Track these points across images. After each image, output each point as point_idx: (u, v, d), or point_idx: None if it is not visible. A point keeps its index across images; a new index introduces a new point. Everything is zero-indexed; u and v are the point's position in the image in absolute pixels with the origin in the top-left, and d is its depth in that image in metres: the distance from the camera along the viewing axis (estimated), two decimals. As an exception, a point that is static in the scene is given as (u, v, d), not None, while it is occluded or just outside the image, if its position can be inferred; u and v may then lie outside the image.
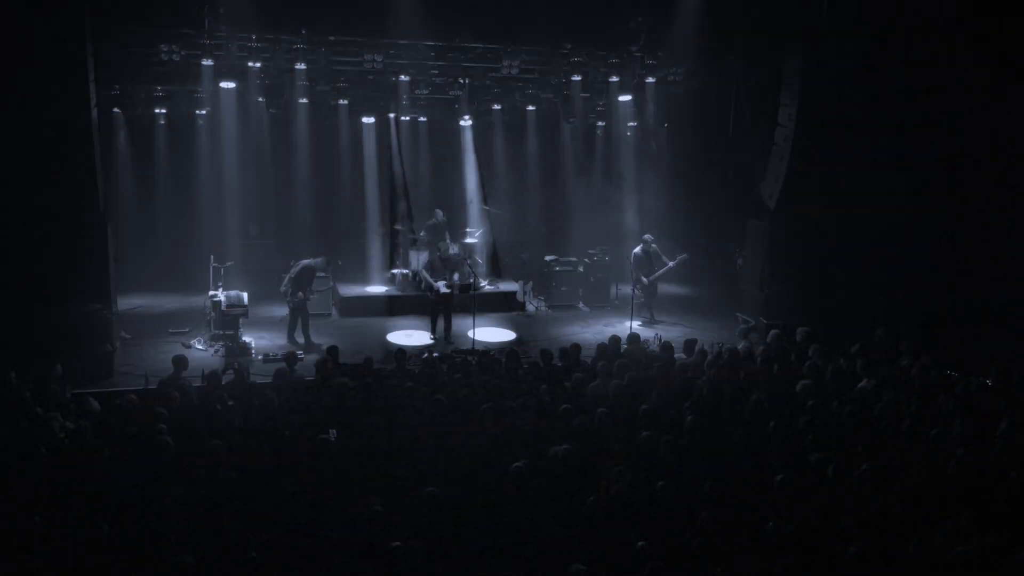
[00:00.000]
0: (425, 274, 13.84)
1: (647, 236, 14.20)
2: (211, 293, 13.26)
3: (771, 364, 10.46)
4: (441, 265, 13.83)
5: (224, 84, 14.48)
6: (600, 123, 18.75)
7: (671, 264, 13.90)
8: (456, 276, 13.87)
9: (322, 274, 13.89)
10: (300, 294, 13.01)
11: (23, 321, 10.68)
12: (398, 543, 5.90)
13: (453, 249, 14.63)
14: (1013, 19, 12.41)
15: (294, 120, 16.45)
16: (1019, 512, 6.69)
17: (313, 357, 11.58)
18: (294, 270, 13.18)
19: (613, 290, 16.55)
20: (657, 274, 13.73)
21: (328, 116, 16.99)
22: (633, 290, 14.07)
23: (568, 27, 14.86)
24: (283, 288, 13.16)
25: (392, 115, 16.64)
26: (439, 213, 16.35)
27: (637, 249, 14.07)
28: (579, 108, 17.14)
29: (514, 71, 15.22)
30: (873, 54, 12.99)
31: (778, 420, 8.43)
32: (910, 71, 13.03)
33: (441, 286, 13.53)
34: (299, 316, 13.16)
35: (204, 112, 16.30)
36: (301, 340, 13.13)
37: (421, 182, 17.86)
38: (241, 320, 12.81)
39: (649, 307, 14.64)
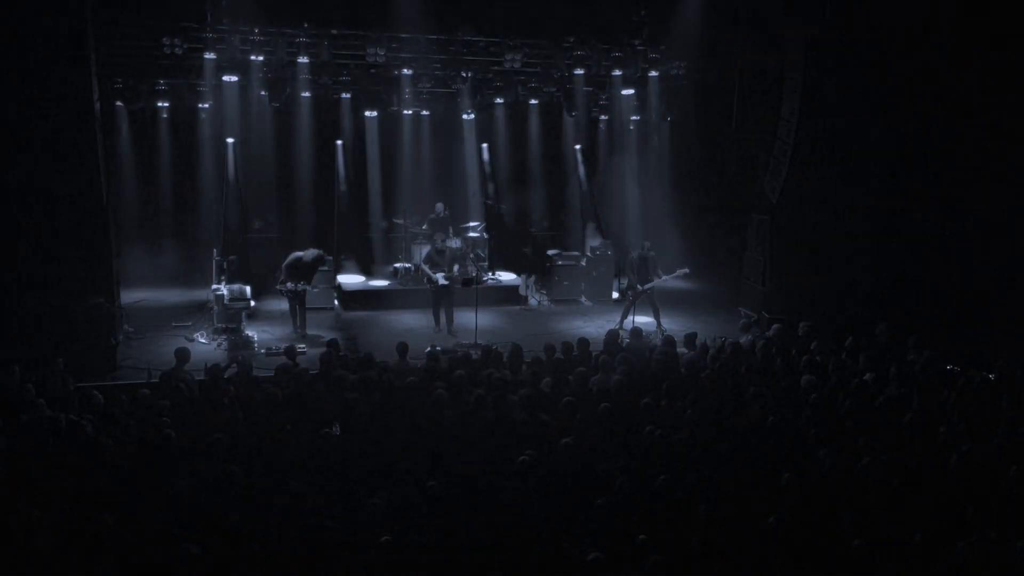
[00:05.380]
0: (425, 267, 13.91)
1: (646, 243, 14.11)
2: (214, 287, 13.29)
3: (773, 358, 10.46)
4: (439, 257, 13.86)
5: (226, 78, 14.46)
6: (603, 117, 18.73)
7: (666, 278, 13.81)
8: (456, 268, 13.92)
9: (324, 268, 13.89)
10: (289, 284, 13.01)
11: (26, 314, 10.71)
12: (387, 537, 5.91)
13: (455, 242, 14.63)
14: (1014, 17, 12.38)
15: (296, 114, 16.45)
16: (1021, 507, 6.70)
17: (315, 351, 11.58)
18: (286, 261, 13.23)
19: (615, 285, 16.54)
20: (651, 284, 13.67)
21: (330, 110, 16.98)
22: (627, 294, 14.04)
23: (571, 21, 14.85)
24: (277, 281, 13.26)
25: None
26: (440, 207, 16.37)
27: (634, 255, 14.01)
28: (582, 102, 17.12)
29: (516, 64, 15.20)
30: (876, 47, 12.97)
31: (780, 414, 8.44)
32: (913, 64, 13.00)
33: (440, 278, 13.59)
34: (293, 306, 13.20)
35: (206, 106, 16.29)
36: (304, 333, 13.17)
37: (423, 176, 17.86)
38: (244, 314, 12.83)
39: (629, 312, 13.88)
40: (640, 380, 9.67)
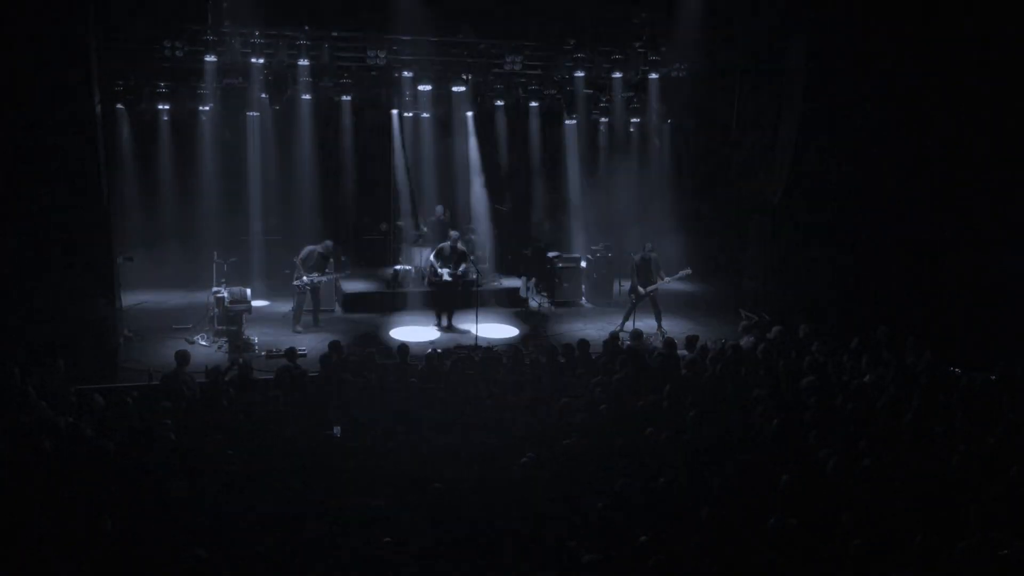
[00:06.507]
0: (435, 262, 14.24)
1: (647, 244, 14.13)
2: (214, 289, 13.30)
3: (773, 360, 10.46)
4: (450, 253, 14.20)
5: (227, 80, 14.47)
6: (603, 119, 18.72)
7: (668, 279, 13.82)
8: (462, 267, 14.06)
9: (330, 268, 14.00)
10: (304, 278, 13.41)
11: (27, 317, 10.71)
12: (388, 539, 5.91)
13: (461, 243, 14.77)
14: (1015, 19, 12.40)
15: (297, 116, 16.45)
16: (1021, 509, 6.69)
17: (317, 351, 11.57)
18: (300, 256, 13.66)
19: (616, 287, 16.54)
20: (654, 286, 13.69)
21: (331, 112, 16.98)
22: (630, 295, 14.06)
23: (571, 23, 14.87)
24: (294, 276, 13.61)
25: (395, 111, 16.65)
26: (440, 209, 16.38)
27: (636, 257, 14.03)
28: (582, 104, 17.12)
29: (517, 67, 15.22)
30: (877, 50, 12.98)
31: (780, 416, 8.43)
32: (914, 67, 13.02)
33: (445, 274, 13.84)
34: (302, 302, 13.55)
35: (207, 108, 16.28)
36: (299, 328, 13.43)
37: (424, 178, 17.86)
38: (244, 316, 12.83)
39: (631, 314, 13.94)
40: (641, 382, 9.67)
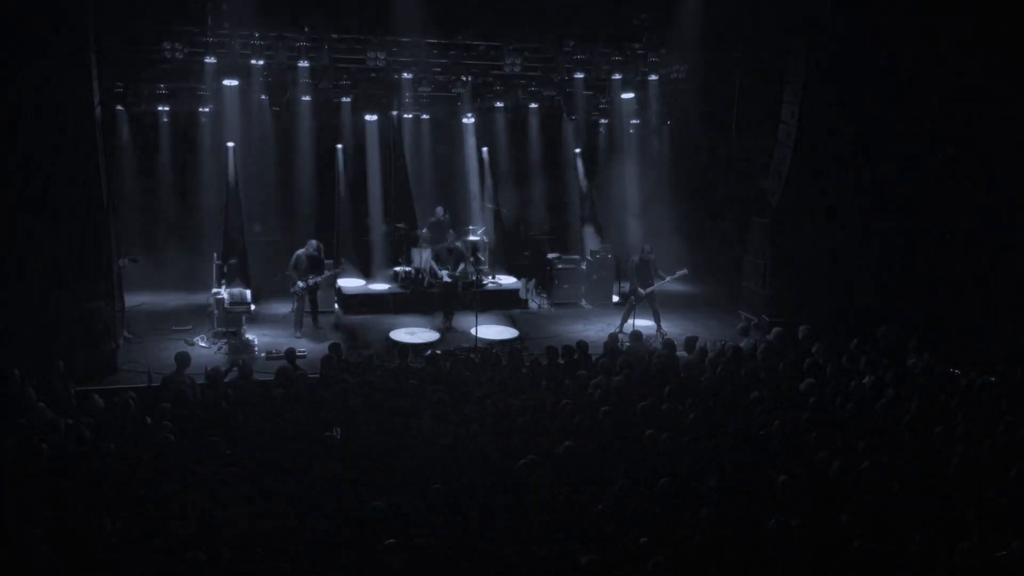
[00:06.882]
0: (433, 263, 14.40)
1: (645, 246, 14.13)
2: (214, 291, 13.30)
3: (773, 361, 10.46)
4: (448, 254, 14.32)
5: (227, 82, 14.48)
6: (603, 120, 18.73)
7: (668, 279, 13.83)
8: (461, 267, 14.15)
9: (329, 262, 14.01)
10: (299, 283, 13.37)
11: (26, 317, 10.71)
12: (391, 540, 5.91)
13: (458, 243, 14.82)
14: (1014, 19, 12.41)
15: (297, 118, 16.45)
16: (1021, 509, 6.69)
17: (316, 353, 11.57)
18: (291, 263, 13.64)
19: (616, 288, 16.53)
20: (652, 288, 13.70)
21: (331, 114, 16.98)
22: (629, 297, 14.06)
23: (571, 24, 14.87)
24: (290, 285, 13.55)
25: (395, 112, 16.66)
26: (439, 211, 16.38)
27: (635, 258, 14.04)
28: (582, 105, 17.13)
29: (517, 68, 15.22)
30: (877, 51, 12.99)
31: (780, 417, 8.43)
32: (914, 68, 13.02)
33: (445, 275, 14.08)
34: (301, 306, 13.52)
35: (207, 110, 16.28)
36: (298, 334, 13.34)
37: (424, 180, 17.87)
38: (244, 317, 12.84)
39: (630, 316, 13.89)
40: (640, 383, 9.67)
